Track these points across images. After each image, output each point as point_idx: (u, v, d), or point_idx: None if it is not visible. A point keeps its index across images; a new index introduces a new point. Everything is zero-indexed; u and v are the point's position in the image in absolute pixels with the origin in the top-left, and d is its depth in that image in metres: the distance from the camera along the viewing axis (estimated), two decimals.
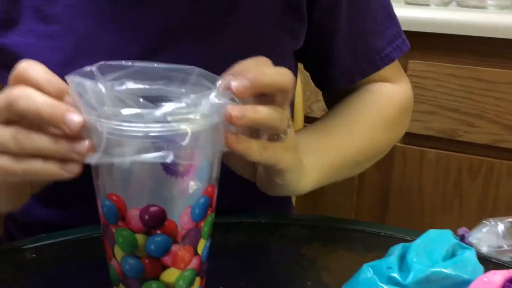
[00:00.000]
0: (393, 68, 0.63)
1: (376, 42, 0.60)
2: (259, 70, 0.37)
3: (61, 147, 0.33)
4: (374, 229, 0.52)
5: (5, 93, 0.35)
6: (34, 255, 0.46)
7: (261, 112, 0.36)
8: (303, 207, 1.12)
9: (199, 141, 0.32)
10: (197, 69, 0.36)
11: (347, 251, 0.50)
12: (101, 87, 0.31)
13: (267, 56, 0.43)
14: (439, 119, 0.97)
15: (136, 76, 0.34)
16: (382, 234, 0.51)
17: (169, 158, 0.30)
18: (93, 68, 0.33)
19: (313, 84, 0.60)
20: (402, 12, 0.94)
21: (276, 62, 0.53)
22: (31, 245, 0.47)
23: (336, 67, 0.61)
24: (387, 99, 0.62)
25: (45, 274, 0.44)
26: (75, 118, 0.31)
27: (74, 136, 0.32)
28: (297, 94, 0.86)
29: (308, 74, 0.63)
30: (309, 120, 1.05)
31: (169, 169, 0.32)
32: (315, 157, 0.51)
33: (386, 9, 0.61)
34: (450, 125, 0.97)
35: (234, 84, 0.34)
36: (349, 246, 0.50)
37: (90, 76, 0.33)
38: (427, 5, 1.10)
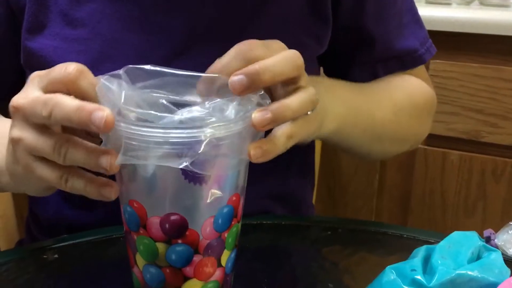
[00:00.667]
0: (421, 70, 0.63)
1: (406, 43, 0.60)
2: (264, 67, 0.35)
3: (92, 159, 0.33)
4: (396, 231, 0.51)
5: (41, 99, 0.34)
6: (56, 256, 0.46)
7: (288, 110, 0.35)
8: (323, 210, 1.11)
9: (221, 148, 0.31)
10: (222, 77, 0.36)
11: (369, 253, 0.49)
12: (127, 90, 0.31)
13: None
14: (462, 120, 0.96)
15: (163, 83, 0.34)
16: (405, 236, 0.51)
17: (184, 164, 0.30)
18: (120, 71, 0.33)
19: None
20: (423, 11, 0.93)
21: None
22: (53, 246, 0.48)
23: (359, 65, 0.61)
24: (416, 88, 0.62)
25: (67, 275, 0.44)
26: (99, 114, 0.31)
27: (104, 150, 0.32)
28: None
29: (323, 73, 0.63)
30: None
31: (189, 176, 0.31)
32: (340, 105, 0.49)
33: (412, 12, 0.61)
34: (474, 126, 0.96)
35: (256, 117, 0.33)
36: (371, 248, 0.50)
37: (117, 78, 0.33)
38: (449, 4, 1.08)
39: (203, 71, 0.35)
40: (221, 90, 0.34)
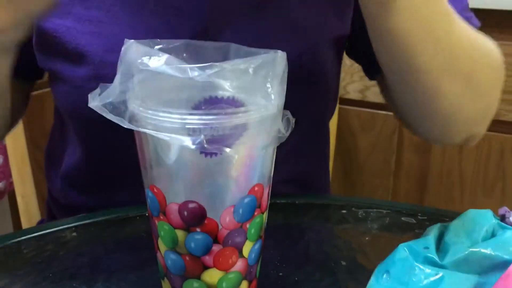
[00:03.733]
0: None
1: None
2: None
3: None
4: (410, 210, 0.51)
5: None
6: (74, 234, 0.48)
7: None
8: (339, 189, 1.11)
9: (245, 132, 0.30)
10: (232, 45, 0.36)
11: (382, 231, 0.49)
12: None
13: (311, 38, 0.40)
14: None
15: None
16: (419, 215, 0.51)
17: (198, 144, 0.29)
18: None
19: (347, 65, 0.59)
20: None
21: (320, 45, 0.51)
22: (72, 224, 0.49)
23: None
24: (490, 43, 0.52)
25: (85, 252, 0.46)
26: None
27: None
28: None
29: None
30: (344, 101, 1.04)
31: (207, 152, 0.30)
32: None
33: None
34: None
35: None
36: (384, 227, 0.49)
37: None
38: None
39: None
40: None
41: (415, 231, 0.48)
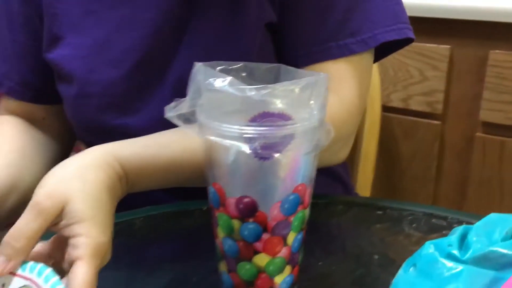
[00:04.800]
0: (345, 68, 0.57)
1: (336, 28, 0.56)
2: None
3: None
4: (442, 213, 0.56)
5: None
6: (142, 224, 0.55)
7: None
8: (381, 194, 1.15)
9: (291, 141, 0.37)
10: (282, 66, 0.42)
11: (414, 231, 0.54)
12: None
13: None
14: None
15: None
16: (449, 218, 0.56)
17: (254, 147, 0.36)
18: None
19: (391, 75, 0.62)
20: (482, 2, 0.94)
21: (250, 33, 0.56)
22: (140, 216, 0.56)
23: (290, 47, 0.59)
24: None
25: (151, 241, 0.53)
26: None
27: None
28: (374, 84, 0.90)
29: (385, 64, 0.66)
30: (387, 109, 1.09)
31: (260, 157, 0.37)
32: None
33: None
34: None
35: None
36: (416, 227, 0.55)
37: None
38: None
39: None
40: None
41: (443, 232, 0.53)
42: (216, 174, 0.40)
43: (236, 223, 0.40)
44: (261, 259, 0.41)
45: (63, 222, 0.39)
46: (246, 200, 0.39)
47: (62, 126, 0.69)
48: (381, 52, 0.61)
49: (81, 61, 0.59)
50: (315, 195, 0.57)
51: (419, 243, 0.45)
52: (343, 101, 0.57)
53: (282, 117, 0.37)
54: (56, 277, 0.37)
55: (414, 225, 0.55)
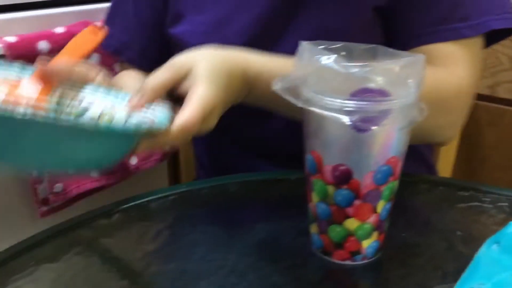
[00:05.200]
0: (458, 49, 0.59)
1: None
2: None
3: None
4: None
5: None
6: (237, 188, 0.61)
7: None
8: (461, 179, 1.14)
9: (388, 116, 0.40)
10: (379, 47, 0.45)
11: (497, 212, 0.55)
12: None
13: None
14: None
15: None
16: None
17: (353, 122, 0.39)
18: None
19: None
20: None
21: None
22: (235, 180, 0.62)
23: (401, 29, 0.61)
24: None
25: (248, 204, 0.58)
26: None
27: None
28: None
29: None
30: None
31: (359, 129, 0.40)
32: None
33: None
34: None
35: None
36: (500, 208, 0.56)
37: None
38: None
39: None
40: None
41: None
42: (315, 142, 0.44)
43: (330, 188, 0.44)
44: (351, 223, 0.45)
45: (186, 82, 0.51)
46: (342, 168, 0.43)
47: None
48: (486, 41, 0.63)
49: (201, 36, 0.65)
50: (401, 173, 0.60)
51: (502, 223, 0.47)
52: (454, 77, 0.59)
53: (381, 93, 0.40)
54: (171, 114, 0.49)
55: (497, 205, 0.56)
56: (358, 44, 0.47)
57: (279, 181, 0.62)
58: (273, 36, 0.63)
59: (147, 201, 0.56)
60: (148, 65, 0.72)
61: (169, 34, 0.69)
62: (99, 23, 0.80)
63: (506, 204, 0.56)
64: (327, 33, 0.61)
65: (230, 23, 0.64)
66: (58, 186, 0.86)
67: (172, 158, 1.12)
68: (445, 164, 0.92)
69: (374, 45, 0.46)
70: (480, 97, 1.07)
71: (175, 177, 1.10)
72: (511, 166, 1.07)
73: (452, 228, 0.53)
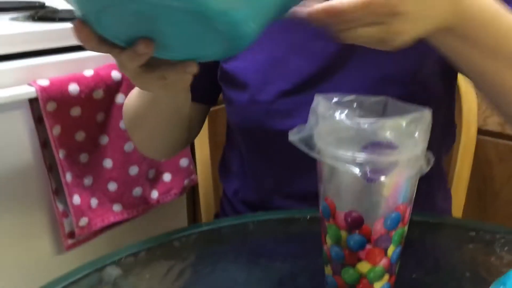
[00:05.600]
0: None
1: None
2: None
3: None
4: None
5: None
6: (252, 228, 0.64)
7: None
8: (473, 216, 1.16)
9: (396, 167, 0.43)
10: (389, 99, 0.49)
11: (506, 253, 0.57)
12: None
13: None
14: None
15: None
16: None
17: (365, 171, 0.42)
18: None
19: None
20: None
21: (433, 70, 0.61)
22: (251, 220, 0.65)
23: None
24: None
25: (264, 242, 0.61)
26: None
27: None
28: (471, 108, 0.93)
29: None
30: (483, 132, 1.10)
31: (368, 180, 0.44)
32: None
33: None
34: None
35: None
36: (508, 250, 0.58)
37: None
38: None
39: None
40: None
41: None
42: (328, 190, 0.48)
43: (343, 233, 0.47)
44: (364, 266, 0.48)
45: None
46: (354, 214, 0.46)
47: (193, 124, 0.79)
48: None
49: (255, 73, 0.69)
50: (413, 213, 0.63)
51: (510, 265, 0.49)
52: None
53: (389, 146, 0.44)
54: None
55: (506, 248, 0.58)
56: (368, 96, 0.51)
57: (296, 220, 0.65)
58: (329, 75, 0.66)
59: (171, 239, 0.60)
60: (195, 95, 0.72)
61: (221, 69, 0.72)
62: None
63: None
64: (384, 81, 0.63)
65: (285, 63, 0.68)
66: (83, 220, 0.90)
67: (191, 192, 1.16)
68: (457, 201, 0.94)
69: (384, 97, 0.50)
70: (490, 133, 1.10)
71: (194, 212, 1.13)
72: None
73: (461, 269, 0.55)
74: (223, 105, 1.21)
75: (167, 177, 1.02)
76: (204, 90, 0.77)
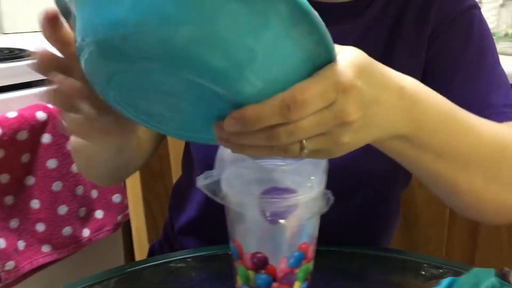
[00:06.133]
0: None
1: (493, 99, 0.61)
2: None
3: None
4: (436, 264, 0.64)
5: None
6: (180, 264, 0.65)
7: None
8: (398, 237, 1.21)
9: (296, 209, 0.46)
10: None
11: (411, 280, 0.62)
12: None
13: None
14: None
15: None
16: (444, 267, 0.63)
17: (265, 217, 0.45)
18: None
19: None
20: None
21: None
22: (178, 257, 0.66)
23: None
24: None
25: (188, 279, 0.63)
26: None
27: None
28: None
29: None
30: None
31: (271, 222, 0.46)
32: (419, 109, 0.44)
33: (503, 80, 0.64)
34: None
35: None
36: (412, 276, 0.62)
37: None
38: None
39: None
40: None
41: (437, 281, 0.60)
42: (236, 233, 0.50)
43: (251, 273, 0.50)
44: None
45: None
46: (259, 255, 0.49)
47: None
48: None
49: None
50: (325, 243, 0.65)
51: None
52: None
53: (287, 191, 0.47)
54: None
55: (412, 274, 0.62)
56: None
57: (219, 256, 0.66)
58: None
59: (89, 285, 0.60)
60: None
61: None
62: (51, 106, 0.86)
63: (417, 269, 0.63)
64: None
65: None
66: (10, 264, 0.89)
67: (127, 227, 1.15)
68: None
69: None
70: None
71: (131, 247, 1.13)
72: (442, 223, 1.16)
73: None
74: None
75: (99, 214, 1.02)
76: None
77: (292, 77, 0.34)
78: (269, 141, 0.36)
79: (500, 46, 1.16)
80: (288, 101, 0.34)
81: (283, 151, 0.37)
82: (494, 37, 0.80)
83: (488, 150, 0.51)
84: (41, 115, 0.90)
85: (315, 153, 0.39)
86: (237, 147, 0.38)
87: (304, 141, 0.37)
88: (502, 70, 0.66)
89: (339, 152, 0.40)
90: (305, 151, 0.37)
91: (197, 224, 0.77)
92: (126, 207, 1.06)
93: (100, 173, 0.70)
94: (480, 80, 0.64)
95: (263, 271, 0.49)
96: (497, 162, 0.52)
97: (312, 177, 0.48)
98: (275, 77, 0.34)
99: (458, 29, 0.66)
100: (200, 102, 0.36)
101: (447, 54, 0.66)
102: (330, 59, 0.35)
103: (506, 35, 1.17)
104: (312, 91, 0.34)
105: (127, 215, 1.06)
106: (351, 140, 0.39)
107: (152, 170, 1.24)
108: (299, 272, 0.50)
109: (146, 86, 0.36)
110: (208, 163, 0.62)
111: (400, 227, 1.21)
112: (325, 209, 0.49)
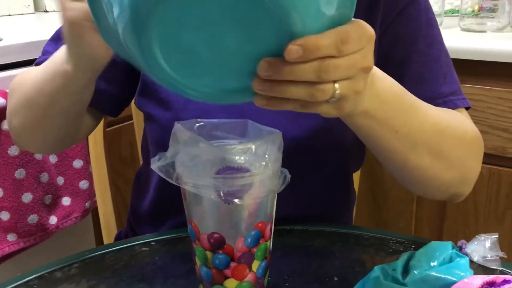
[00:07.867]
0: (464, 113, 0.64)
1: (441, 89, 0.64)
2: None
3: None
4: (400, 239, 0.64)
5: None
6: (144, 248, 0.65)
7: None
8: (365, 214, 1.23)
9: (250, 189, 0.46)
10: (249, 122, 0.51)
11: (372, 255, 0.62)
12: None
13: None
14: (490, 137, 1.04)
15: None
16: (406, 242, 0.64)
17: (218, 195, 0.45)
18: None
19: None
20: (458, 42, 1.02)
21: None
22: (142, 241, 0.66)
23: None
24: (465, 120, 0.63)
25: (152, 262, 0.62)
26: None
27: None
28: None
29: None
30: None
31: (227, 202, 0.46)
32: (382, 87, 0.49)
33: (449, 68, 0.67)
34: (501, 143, 1.04)
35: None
36: (373, 251, 0.63)
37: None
38: (484, 32, 1.16)
39: None
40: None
41: (398, 256, 0.61)
42: (192, 214, 0.50)
43: (209, 254, 0.49)
44: (231, 283, 0.50)
45: None
46: (215, 235, 0.48)
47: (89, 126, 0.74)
48: None
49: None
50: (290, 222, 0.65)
51: (375, 266, 0.53)
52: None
53: (241, 170, 0.46)
54: None
55: (373, 249, 0.63)
56: (230, 120, 0.53)
57: (182, 239, 0.66)
58: None
59: (50, 271, 0.59)
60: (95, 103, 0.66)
61: (143, 82, 0.69)
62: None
63: (379, 245, 0.64)
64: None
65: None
66: None
67: (97, 214, 1.14)
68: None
69: (244, 120, 0.53)
70: None
71: (100, 233, 1.12)
72: (411, 199, 1.17)
73: (331, 274, 0.59)
74: (119, 125, 1.22)
75: (66, 201, 1.01)
76: (109, 99, 0.72)
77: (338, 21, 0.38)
78: (317, 74, 0.38)
79: (465, 22, 1.17)
80: (342, 36, 0.38)
81: (321, 92, 0.40)
82: (459, 14, 0.80)
83: (432, 130, 0.56)
84: (1, 101, 0.88)
85: (339, 102, 0.42)
86: (272, 95, 0.40)
87: (336, 84, 0.40)
88: (447, 54, 0.67)
89: (351, 106, 0.44)
90: (337, 92, 0.40)
91: (158, 211, 0.76)
92: (94, 193, 1.04)
93: (49, 131, 0.66)
94: (430, 71, 0.65)
95: (220, 251, 0.49)
96: (438, 141, 0.57)
97: (266, 156, 0.47)
98: (333, 15, 0.37)
99: (407, 21, 0.66)
100: (248, 35, 0.37)
101: (398, 46, 0.66)
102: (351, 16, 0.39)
103: (473, 11, 1.18)
104: (356, 33, 0.39)
105: (96, 202, 1.05)
106: (358, 98, 0.44)
107: (122, 157, 1.23)
108: (257, 251, 0.50)
109: (195, 12, 0.35)
110: (164, 145, 0.62)
111: (369, 205, 1.23)
112: (281, 187, 0.49)
